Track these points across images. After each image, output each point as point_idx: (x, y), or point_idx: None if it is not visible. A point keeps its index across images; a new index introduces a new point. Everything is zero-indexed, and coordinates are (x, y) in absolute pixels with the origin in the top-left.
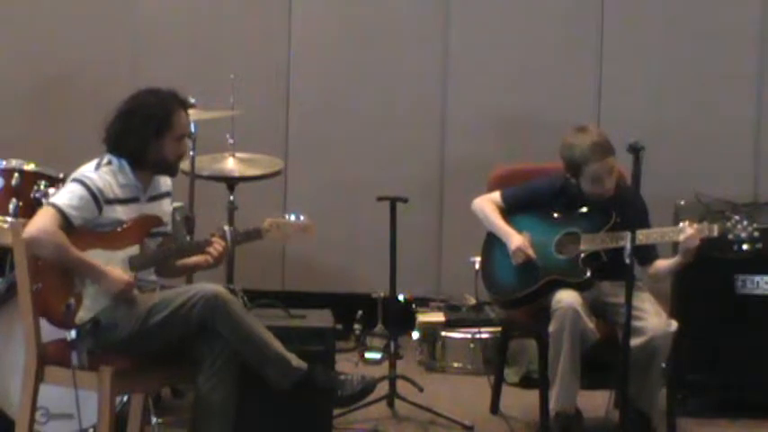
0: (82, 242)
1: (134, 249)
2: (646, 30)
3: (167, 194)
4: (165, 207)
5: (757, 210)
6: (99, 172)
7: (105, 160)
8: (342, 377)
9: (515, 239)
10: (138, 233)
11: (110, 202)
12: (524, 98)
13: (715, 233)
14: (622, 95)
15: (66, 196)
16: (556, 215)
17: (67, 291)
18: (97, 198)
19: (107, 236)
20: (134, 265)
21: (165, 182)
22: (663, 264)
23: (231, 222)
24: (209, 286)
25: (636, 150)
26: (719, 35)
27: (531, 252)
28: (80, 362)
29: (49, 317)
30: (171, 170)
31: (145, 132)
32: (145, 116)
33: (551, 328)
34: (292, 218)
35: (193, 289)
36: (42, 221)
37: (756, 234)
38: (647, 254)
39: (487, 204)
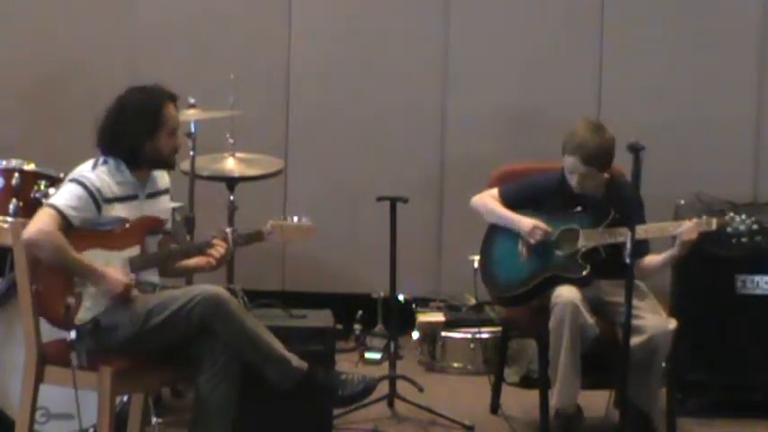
0: (82, 242)
1: (134, 250)
2: (646, 30)
3: (166, 191)
4: (164, 204)
5: (757, 210)
6: (96, 171)
7: (102, 159)
8: (342, 377)
9: (527, 221)
10: (138, 234)
11: (108, 200)
12: (524, 98)
13: (714, 226)
14: (622, 95)
15: (65, 196)
16: (554, 212)
17: (67, 290)
18: (96, 197)
19: (107, 236)
20: (134, 265)
21: (163, 179)
22: (653, 259)
23: (231, 222)
24: (209, 287)
25: (636, 150)
26: (719, 35)
27: (546, 227)
28: (80, 362)
29: (48, 317)
30: (168, 164)
31: (138, 131)
32: (136, 115)
33: (551, 323)
34: (294, 219)
35: (194, 290)
36: (41, 222)
37: (755, 227)
38: (637, 249)
39: (489, 198)
